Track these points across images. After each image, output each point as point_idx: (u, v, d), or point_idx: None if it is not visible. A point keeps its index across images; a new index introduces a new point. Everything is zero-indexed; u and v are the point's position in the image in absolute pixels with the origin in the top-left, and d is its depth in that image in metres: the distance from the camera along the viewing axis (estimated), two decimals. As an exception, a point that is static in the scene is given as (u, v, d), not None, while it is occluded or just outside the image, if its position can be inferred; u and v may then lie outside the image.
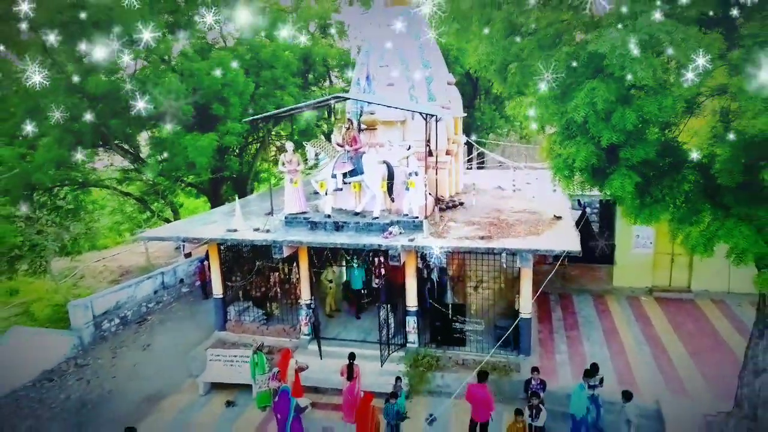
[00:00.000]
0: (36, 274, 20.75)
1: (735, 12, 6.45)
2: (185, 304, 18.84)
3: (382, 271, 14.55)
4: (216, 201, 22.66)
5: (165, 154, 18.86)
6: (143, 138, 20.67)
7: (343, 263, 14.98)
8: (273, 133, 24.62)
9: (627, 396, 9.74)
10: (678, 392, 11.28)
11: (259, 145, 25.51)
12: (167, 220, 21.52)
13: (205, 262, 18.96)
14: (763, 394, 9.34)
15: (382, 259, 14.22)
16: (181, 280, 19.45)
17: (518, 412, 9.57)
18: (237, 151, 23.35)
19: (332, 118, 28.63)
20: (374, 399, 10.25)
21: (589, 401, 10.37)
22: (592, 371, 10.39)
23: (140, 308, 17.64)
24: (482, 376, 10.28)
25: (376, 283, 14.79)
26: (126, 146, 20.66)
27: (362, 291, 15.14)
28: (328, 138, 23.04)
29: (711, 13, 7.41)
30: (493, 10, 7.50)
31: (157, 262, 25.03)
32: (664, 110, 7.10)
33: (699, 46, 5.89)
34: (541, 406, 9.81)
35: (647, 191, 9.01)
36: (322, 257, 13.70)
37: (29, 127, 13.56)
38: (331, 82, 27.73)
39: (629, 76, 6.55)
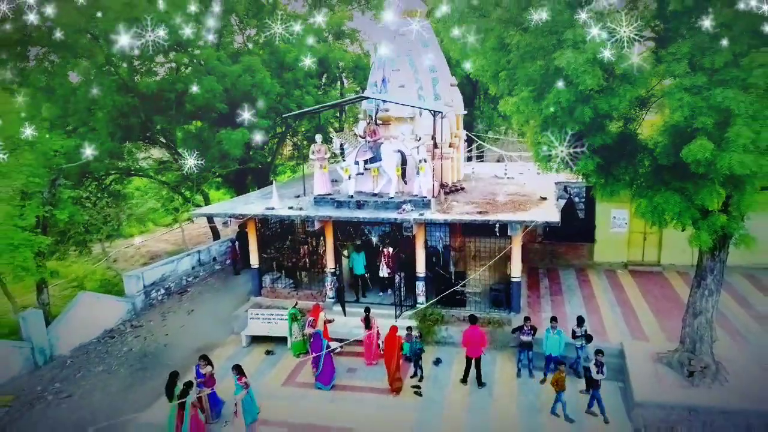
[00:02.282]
0: (82, 254, 23.22)
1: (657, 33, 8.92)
2: (218, 279, 21.36)
3: (389, 261, 16.01)
4: (241, 190, 25.14)
5: (200, 147, 21.32)
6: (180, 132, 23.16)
7: (346, 252, 16.82)
8: (291, 128, 27.11)
9: (588, 339, 12.25)
10: (639, 338, 13.81)
11: (277, 140, 28.04)
12: (198, 207, 24.02)
13: (236, 243, 21.50)
14: (699, 332, 11.84)
15: (390, 250, 15.99)
16: (214, 258, 21.97)
17: (560, 362, 11.61)
18: (259, 145, 25.83)
19: (343, 116, 31.15)
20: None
21: (579, 350, 12.78)
22: (578, 323, 12.83)
23: (181, 281, 20.17)
24: (473, 319, 12.81)
25: (388, 273, 16.03)
26: (163, 139, 23.18)
27: (365, 275, 16.80)
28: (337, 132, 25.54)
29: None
30: (487, 33, 9.99)
31: (185, 246, 27.57)
32: (613, 107, 9.59)
33: (630, 62, 8.39)
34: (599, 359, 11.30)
35: (610, 172, 11.52)
36: (345, 232, 16.18)
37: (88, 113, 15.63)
38: (342, 83, 30.20)
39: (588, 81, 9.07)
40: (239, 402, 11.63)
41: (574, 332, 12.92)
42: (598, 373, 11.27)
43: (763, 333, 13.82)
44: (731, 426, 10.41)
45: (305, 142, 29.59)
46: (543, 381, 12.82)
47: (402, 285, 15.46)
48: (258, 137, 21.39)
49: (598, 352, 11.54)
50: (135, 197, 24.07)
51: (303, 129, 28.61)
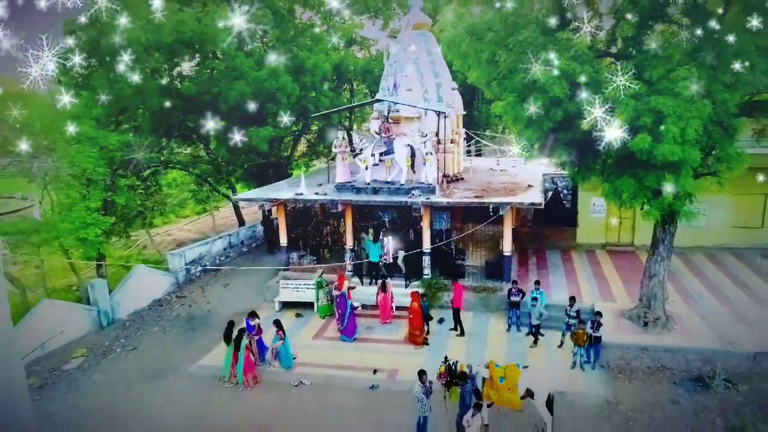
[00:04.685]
0: (121, 239, 25.95)
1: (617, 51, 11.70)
2: (247, 259, 24.16)
3: (390, 250, 18.36)
4: (264, 182, 27.88)
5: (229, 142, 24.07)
6: (212, 129, 25.90)
7: (362, 238, 19.31)
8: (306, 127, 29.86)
9: (581, 321, 14.84)
10: (608, 300, 16.63)
11: (293, 138, 30.79)
12: (226, 197, 26.81)
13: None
14: (653, 291, 14.65)
15: (390, 238, 18.40)
16: (242, 242, 24.77)
17: (581, 322, 13.82)
18: (279, 142, 28.61)
19: (353, 116, 33.91)
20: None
21: (569, 328, 14.86)
22: (570, 303, 14.55)
23: (215, 260, 22.95)
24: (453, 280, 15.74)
25: (386, 259, 18.35)
26: (194, 136, 25.94)
27: (379, 264, 18.91)
28: (347, 130, 28.39)
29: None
30: (482, 51, 12.79)
31: (212, 232, 30.35)
32: (581, 109, 12.34)
33: (594, 74, 11.19)
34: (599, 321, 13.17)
35: (583, 162, 14.28)
36: (362, 215, 18.97)
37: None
38: (352, 86, 32.93)
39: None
40: (276, 348, 14.45)
41: (566, 310, 14.52)
42: (591, 328, 13.30)
43: (709, 295, 16.66)
44: (673, 360, 13.21)
45: (317, 139, 32.41)
46: (528, 334, 15.59)
47: (402, 261, 18.21)
48: (280, 134, 24.00)
49: (598, 313, 13.66)
50: (174, 187, 26.90)
51: (315, 128, 31.37)
